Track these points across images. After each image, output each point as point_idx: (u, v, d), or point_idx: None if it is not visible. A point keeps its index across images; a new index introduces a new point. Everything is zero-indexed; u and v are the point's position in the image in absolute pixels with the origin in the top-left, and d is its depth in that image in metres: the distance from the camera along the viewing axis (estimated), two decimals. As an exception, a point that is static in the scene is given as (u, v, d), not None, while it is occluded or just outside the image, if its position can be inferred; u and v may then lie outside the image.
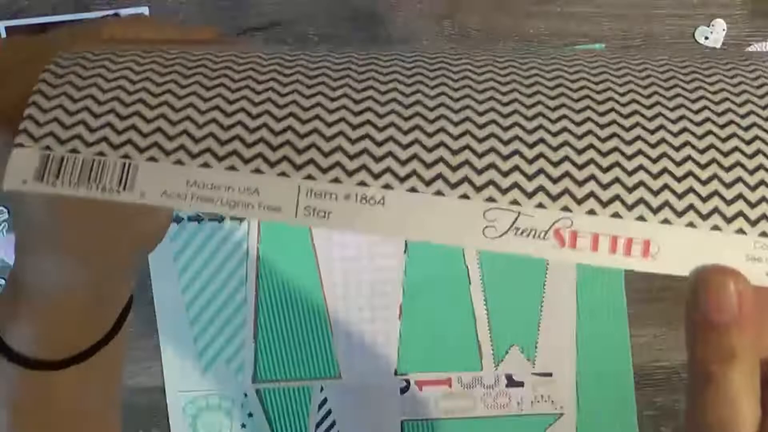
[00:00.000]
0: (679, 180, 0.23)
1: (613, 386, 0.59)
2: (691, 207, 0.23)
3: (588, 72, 0.26)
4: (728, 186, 0.23)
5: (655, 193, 0.23)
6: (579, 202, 0.23)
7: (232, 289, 0.59)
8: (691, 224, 0.23)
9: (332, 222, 0.23)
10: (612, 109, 0.25)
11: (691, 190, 0.23)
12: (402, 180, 0.23)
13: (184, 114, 0.24)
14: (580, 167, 0.24)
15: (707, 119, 0.25)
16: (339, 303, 0.59)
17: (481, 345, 0.59)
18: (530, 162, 0.24)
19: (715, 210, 0.23)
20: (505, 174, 0.23)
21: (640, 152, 0.24)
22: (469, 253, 0.58)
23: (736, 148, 0.24)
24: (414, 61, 0.26)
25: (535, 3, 0.55)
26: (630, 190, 0.23)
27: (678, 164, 0.24)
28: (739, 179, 0.23)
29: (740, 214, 0.23)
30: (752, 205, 0.23)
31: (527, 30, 0.56)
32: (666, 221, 0.23)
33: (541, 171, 0.23)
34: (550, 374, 0.59)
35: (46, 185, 0.23)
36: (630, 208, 0.23)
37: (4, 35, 0.56)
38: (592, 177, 0.23)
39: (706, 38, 0.55)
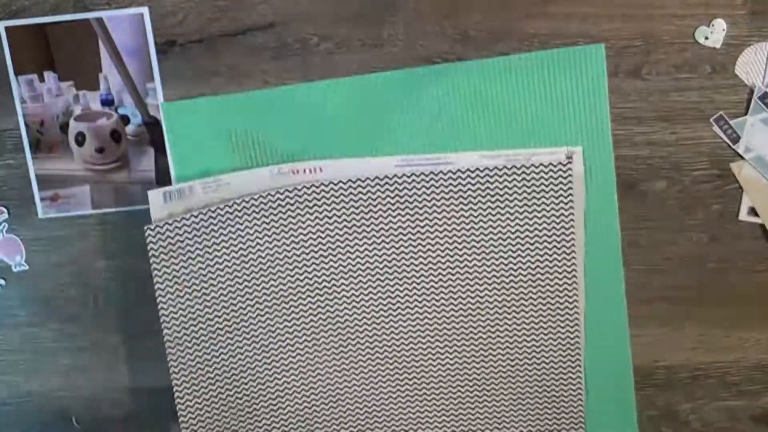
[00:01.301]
0: None
1: (613, 386, 0.59)
2: None
3: None
4: None
5: None
6: None
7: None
8: None
9: None
10: None
11: None
12: None
13: None
14: None
15: None
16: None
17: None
18: None
19: None
20: None
21: None
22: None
23: None
24: None
25: (535, 3, 0.55)
26: None
27: None
28: None
29: None
30: None
31: (527, 30, 0.55)
32: None
33: None
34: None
35: None
36: None
37: (4, 35, 0.56)
38: None
39: (706, 38, 0.55)
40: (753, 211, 0.57)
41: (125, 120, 0.57)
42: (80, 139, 0.57)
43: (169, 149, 0.56)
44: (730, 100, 0.56)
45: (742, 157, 0.56)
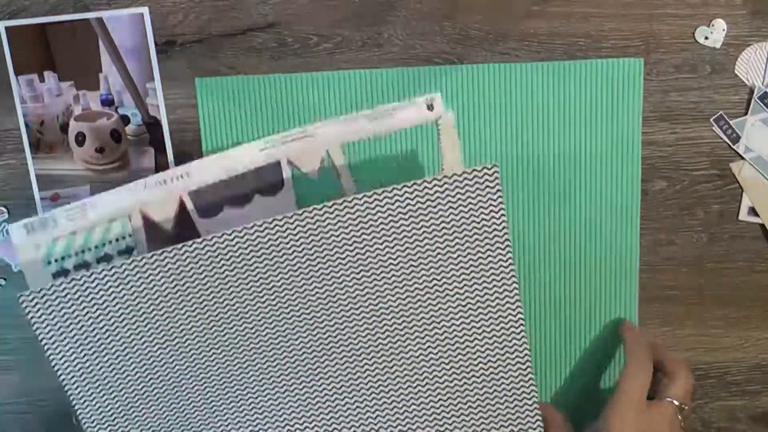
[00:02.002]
0: None
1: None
2: None
3: None
4: None
5: None
6: None
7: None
8: None
9: None
10: None
11: None
12: None
13: None
14: None
15: None
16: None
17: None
18: None
19: None
20: None
21: None
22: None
23: None
24: None
25: (535, 3, 0.55)
26: None
27: None
28: None
29: None
30: None
31: (527, 30, 0.56)
32: None
33: None
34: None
35: None
36: None
37: (4, 35, 0.56)
38: None
39: (706, 38, 0.55)
40: (753, 211, 0.57)
41: (125, 120, 0.57)
42: (80, 139, 0.57)
43: (201, 122, 0.56)
44: (730, 100, 0.56)
45: (742, 157, 0.56)
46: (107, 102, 0.57)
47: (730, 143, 0.56)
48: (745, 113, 0.56)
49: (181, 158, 0.57)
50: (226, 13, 0.56)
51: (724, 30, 0.55)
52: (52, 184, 0.58)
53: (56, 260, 0.51)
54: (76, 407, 0.51)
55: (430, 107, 0.50)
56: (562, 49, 0.56)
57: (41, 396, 0.61)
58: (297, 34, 0.56)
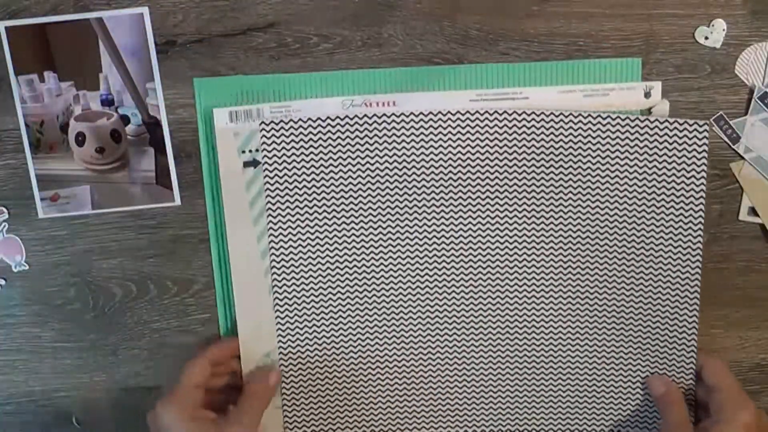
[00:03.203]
0: None
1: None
2: None
3: None
4: None
5: None
6: None
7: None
8: None
9: None
10: None
11: None
12: None
13: None
14: None
15: None
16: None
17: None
18: None
19: None
20: None
21: None
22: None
23: None
24: None
25: (535, 3, 0.55)
26: None
27: None
28: None
29: None
30: None
31: (527, 30, 0.56)
32: None
33: None
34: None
35: None
36: None
37: (4, 35, 0.56)
38: None
39: (706, 38, 0.55)
40: (753, 211, 0.57)
41: (125, 120, 0.57)
42: (80, 139, 0.57)
43: (200, 122, 0.56)
44: (730, 100, 0.56)
45: (742, 157, 0.57)
46: (107, 102, 0.57)
47: (730, 143, 0.56)
48: (745, 113, 0.56)
49: (181, 158, 0.57)
50: (226, 13, 0.56)
51: (724, 30, 0.55)
52: (52, 184, 0.58)
53: (250, 151, 0.56)
54: (270, 240, 0.56)
55: (648, 95, 0.54)
56: (561, 49, 0.56)
57: (41, 396, 0.61)
58: (297, 34, 0.56)
